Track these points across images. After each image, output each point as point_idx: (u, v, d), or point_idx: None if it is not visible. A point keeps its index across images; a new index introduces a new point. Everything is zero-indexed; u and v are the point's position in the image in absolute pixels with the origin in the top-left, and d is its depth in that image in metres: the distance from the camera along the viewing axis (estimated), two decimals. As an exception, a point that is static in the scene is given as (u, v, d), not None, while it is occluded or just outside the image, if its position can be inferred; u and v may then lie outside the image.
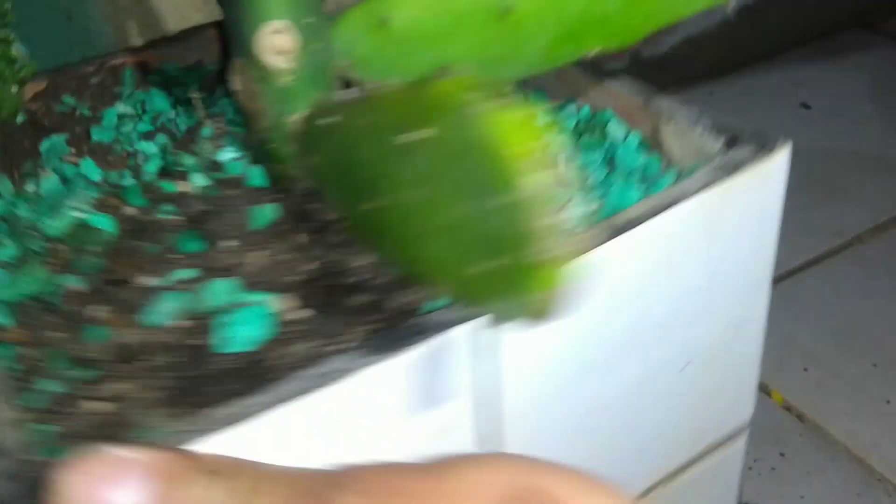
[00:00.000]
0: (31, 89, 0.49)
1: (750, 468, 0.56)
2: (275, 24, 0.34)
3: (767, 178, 0.36)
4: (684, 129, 0.39)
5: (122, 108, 0.48)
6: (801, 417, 0.59)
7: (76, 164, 0.43)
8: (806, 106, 0.90)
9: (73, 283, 0.35)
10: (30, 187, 0.41)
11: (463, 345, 0.30)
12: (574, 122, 0.43)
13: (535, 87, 0.48)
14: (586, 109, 0.44)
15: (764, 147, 0.36)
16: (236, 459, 0.25)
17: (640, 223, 0.33)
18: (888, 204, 0.78)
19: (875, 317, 0.67)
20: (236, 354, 0.31)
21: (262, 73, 0.35)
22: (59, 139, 0.45)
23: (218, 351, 0.32)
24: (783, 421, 0.59)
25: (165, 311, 0.33)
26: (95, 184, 0.42)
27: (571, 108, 0.45)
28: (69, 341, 0.33)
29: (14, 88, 0.46)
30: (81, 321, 0.33)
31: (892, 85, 0.93)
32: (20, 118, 0.47)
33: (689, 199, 0.34)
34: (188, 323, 0.33)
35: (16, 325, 0.33)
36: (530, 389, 0.34)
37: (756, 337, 0.42)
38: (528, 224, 0.21)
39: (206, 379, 0.30)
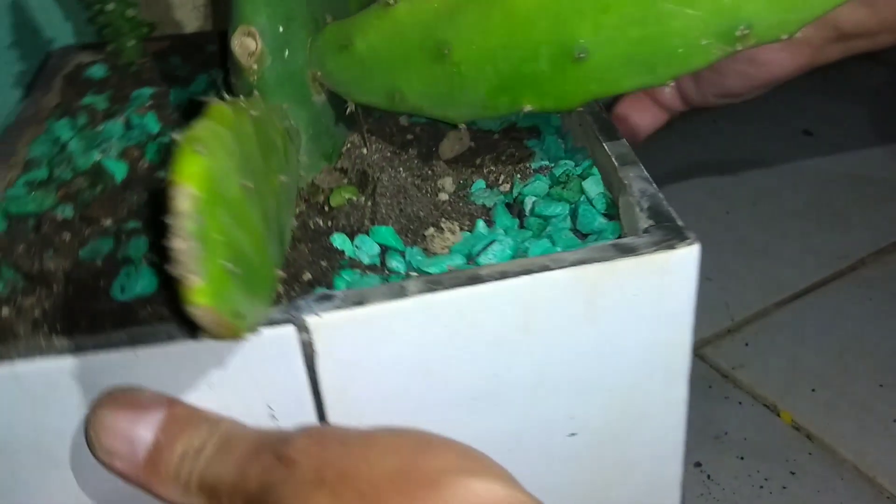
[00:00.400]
0: (153, 46, 0.57)
1: (761, 487, 0.57)
2: (246, 28, 0.39)
3: (665, 272, 0.35)
4: (631, 204, 0.38)
5: (216, 74, 0.55)
6: (810, 437, 0.60)
7: (143, 116, 0.50)
8: (808, 133, 0.91)
9: (65, 212, 0.42)
10: (99, 126, 0.50)
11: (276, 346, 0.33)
12: (560, 172, 0.43)
13: (564, 132, 0.48)
14: (587, 163, 0.44)
15: (664, 241, 0.35)
16: (216, 415, 0.33)
17: (500, 279, 0.34)
18: (890, 228, 0.79)
19: (880, 338, 0.68)
20: (121, 301, 0.37)
21: (237, 70, 0.40)
22: (146, 91, 0.53)
23: (111, 294, 0.37)
24: (792, 440, 0.60)
25: (95, 251, 0.39)
26: (151, 135, 0.49)
27: (580, 156, 0.45)
28: (26, 257, 0.40)
29: (131, 42, 0.54)
30: (45, 244, 0.40)
31: (893, 112, 0.93)
32: (133, 68, 0.55)
33: (560, 268, 0.34)
34: (102, 265, 0.38)
35: (3, 230, 0.41)
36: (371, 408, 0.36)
37: (671, 434, 0.40)
38: (171, 241, 0.24)
39: (85, 314, 0.36)
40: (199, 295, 0.24)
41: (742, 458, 0.58)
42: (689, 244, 0.35)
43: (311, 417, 0.36)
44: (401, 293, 0.34)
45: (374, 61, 0.39)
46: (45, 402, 0.33)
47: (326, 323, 0.33)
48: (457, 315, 0.34)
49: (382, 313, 0.34)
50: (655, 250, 0.35)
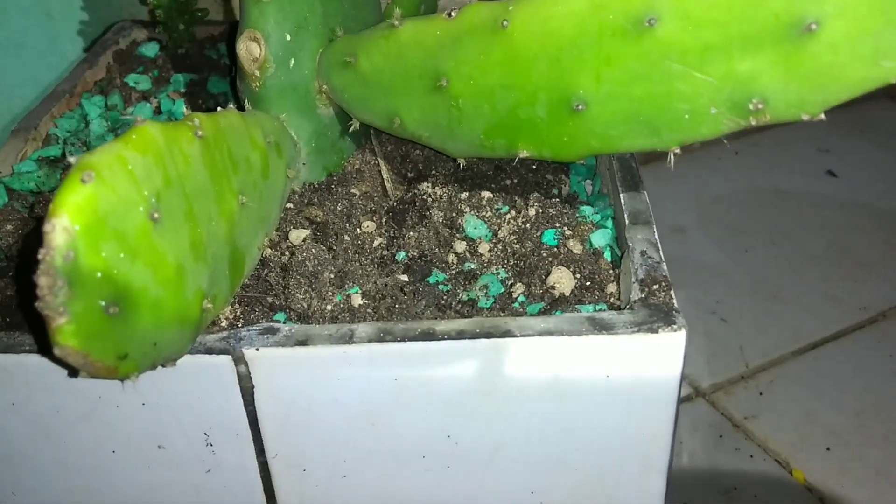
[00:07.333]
0: (204, 31, 0.56)
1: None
2: (252, 32, 0.37)
3: (644, 357, 0.31)
4: (629, 269, 0.35)
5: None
6: (822, 500, 0.56)
7: (174, 102, 0.49)
8: (832, 174, 0.86)
9: (65, 194, 0.42)
10: (129, 108, 0.49)
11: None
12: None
13: (595, 173, 0.44)
14: (607, 212, 0.41)
15: (647, 323, 0.31)
16: None
17: (457, 338, 0.31)
18: (915, 280, 0.72)
19: (900, 397, 0.63)
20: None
21: (241, 75, 0.38)
22: (184, 77, 0.52)
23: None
24: (804, 502, 0.56)
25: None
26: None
27: (601, 203, 0.42)
28: (12, 236, 0.39)
29: (181, 26, 0.54)
30: (31, 221, 0.40)
31: (921, 158, 0.86)
32: (181, 52, 0.55)
33: (524, 336, 0.31)
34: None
35: (0, 206, 0.41)
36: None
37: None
38: (37, 277, 0.22)
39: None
40: (65, 335, 0.22)
41: (751, 518, 0.55)
42: (674, 330, 0.31)
43: (248, 450, 0.34)
44: (348, 338, 0.32)
45: (376, 82, 0.36)
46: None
47: (266, 358, 0.32)
48: (407, 369, 0.32)
49: (327, 356, 0.32)
50: (635, 331, 0.31)
